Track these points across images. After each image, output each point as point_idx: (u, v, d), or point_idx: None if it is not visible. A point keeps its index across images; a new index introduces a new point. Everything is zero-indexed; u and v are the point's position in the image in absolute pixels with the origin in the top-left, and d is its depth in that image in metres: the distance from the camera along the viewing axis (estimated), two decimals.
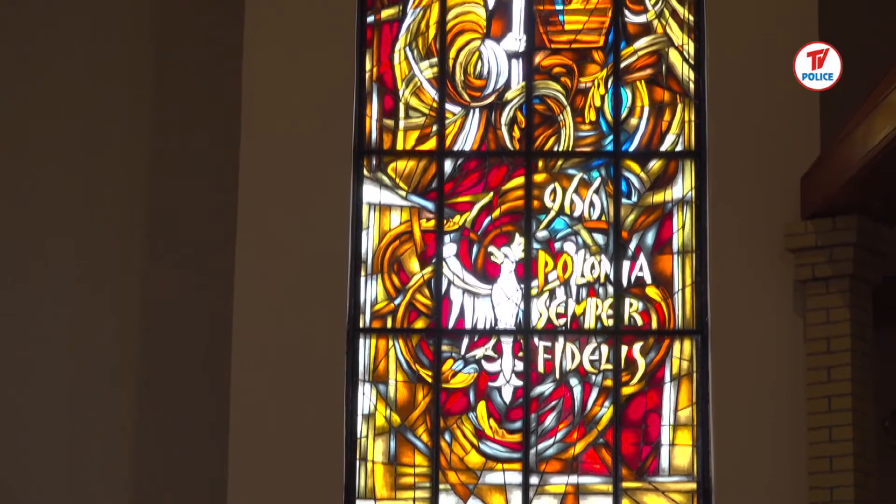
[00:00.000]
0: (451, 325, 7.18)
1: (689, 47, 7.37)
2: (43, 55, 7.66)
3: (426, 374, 7.13)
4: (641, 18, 7.41)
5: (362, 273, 7.20)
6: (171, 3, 7.73)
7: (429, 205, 7.30)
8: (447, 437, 7.08)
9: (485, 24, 7.43)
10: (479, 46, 7.42)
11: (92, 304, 7.47)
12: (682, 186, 7.27)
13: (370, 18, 7.37)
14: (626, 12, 7.40)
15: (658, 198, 7.27)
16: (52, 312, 7.49)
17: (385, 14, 7.40)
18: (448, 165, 7.32)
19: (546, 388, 7.12)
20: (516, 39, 7.41)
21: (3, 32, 7.69)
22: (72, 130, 7.62)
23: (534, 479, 7.01)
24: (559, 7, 7.43)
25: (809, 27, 7.15)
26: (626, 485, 7.01)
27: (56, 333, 7.47)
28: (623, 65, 7.35)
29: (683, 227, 7.21)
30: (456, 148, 7.34)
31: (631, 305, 7.16)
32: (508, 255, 7.25)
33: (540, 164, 7.31)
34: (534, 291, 7.18)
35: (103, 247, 7.53)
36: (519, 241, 7.24)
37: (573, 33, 7.43)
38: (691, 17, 7.37)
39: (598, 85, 7.35)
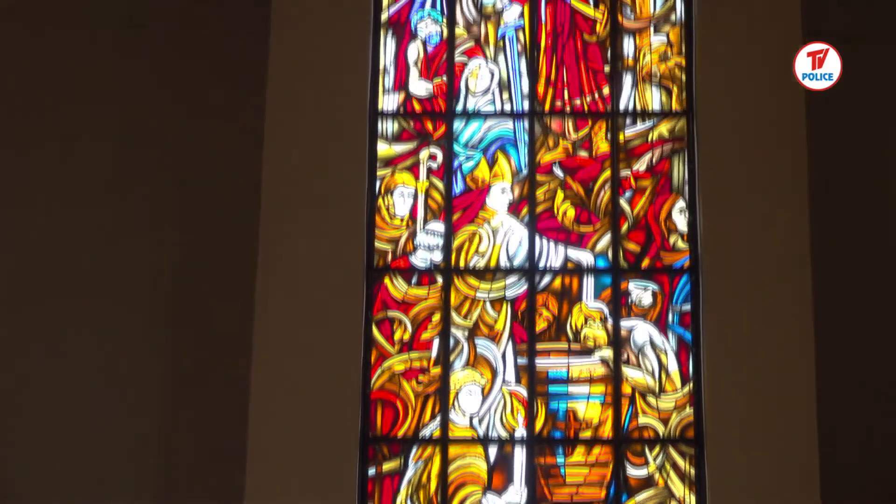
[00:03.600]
0: None
1: (691, 500, 7.87)
2: None
3: None
4: (643, 472, 7.94)
5: None
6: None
7: None
8: None
9: (486, 477, 7.97)
10: (480, 499, 7.94)
11: None
12: None
13: (371, 471, 7.93)
14: (628, 465, 7.95)
15: None
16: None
17: (386, 467, 7.96)
18: None
19: None
20: (517, 492, 7.93)
21: None
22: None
23: None
24: (560, 460, 7.99)
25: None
26: None
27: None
28: None
29: None
30: None
31: None
32: None
33: None
34: None
35: None
36: None
37: (574, 486, 7.95)
38: (692, 471, 7.90)
39: None
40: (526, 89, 8.29)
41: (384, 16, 8.34)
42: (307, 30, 8.12)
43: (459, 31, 8.36)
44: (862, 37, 8.25)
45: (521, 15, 8.37)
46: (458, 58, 8.35)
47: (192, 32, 8.47)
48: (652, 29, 8.33)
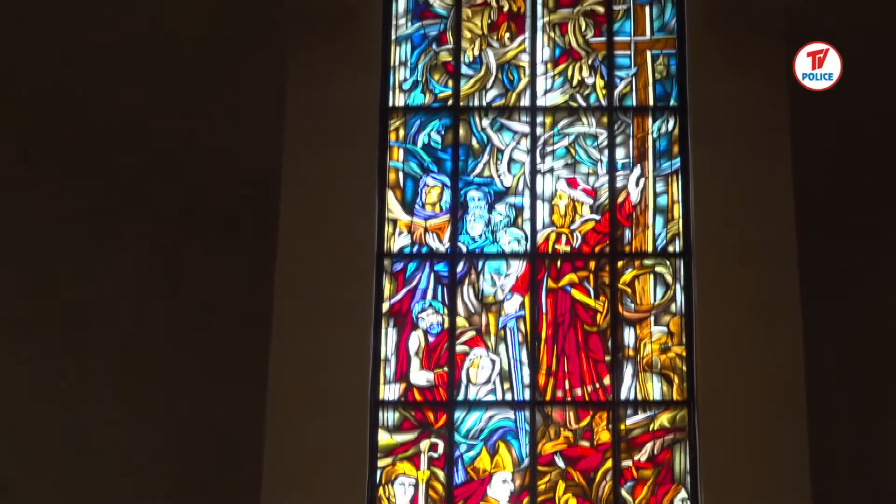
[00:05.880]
0: None
1: None
2: None
3: None
4: None
5: None
6: None
7: None
8: None
9: None
10: None
11: None
12: None
13: None
14: None
15: None
16: None
17: None
18: None
19: None
20: None
21: None
22: None
23: None
24: None
25: None
26: None
27: None
28: None
29: None
30: None
31: None
32: None
33: None
34: None
35: None
36: None
37: None
38: None
39: None
40: (527, 379, 8.55)
41: (385, 306, 8.65)
42: (308, 321, 8.41)
43: (460, 321, 8.65)
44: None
45: (522, 305, 8.67)
46: (460, 348, 8.62)
47: (198, 317, 8.84)
48: (652, 319, 8.62)
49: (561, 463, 8.45)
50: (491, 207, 8.82)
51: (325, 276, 8.47)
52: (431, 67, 9.01)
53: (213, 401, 8.83)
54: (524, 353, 8.59)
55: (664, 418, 8.47)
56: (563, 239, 8.77)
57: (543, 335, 8.61)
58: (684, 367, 8.53)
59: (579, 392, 8.52)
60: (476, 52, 9.01)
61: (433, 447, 8.47)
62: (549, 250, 8.76)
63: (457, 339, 8.62)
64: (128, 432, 8.89)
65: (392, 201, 8.82)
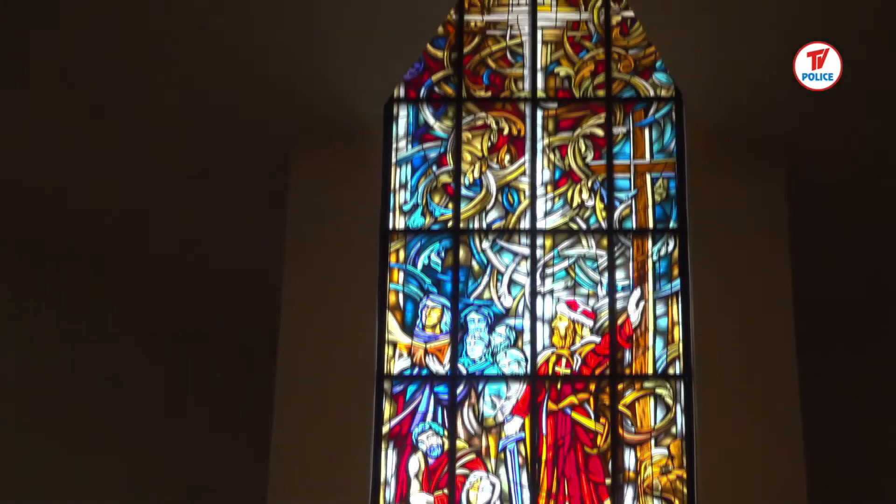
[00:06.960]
0: None
1: None
2: None
3: None
4: None
5: None
6: None
7: None
8: None
9: None
10: None
11: None
12: None
13: None
14: None
15: None
16: None
17: None
18: None
19: None
20: None
21: None
22: None
23: None
24: None
25: None
26: None
27: None
28: None
29: None
30: None
31: None
32: None
33: None
34: None
35: None
36: None
37: None
38: None
39: None
40: (527, 502, 8.55)
41: (385, 428, 8.68)
42: (308, 443, 8.44)
43: (461, 443, 8.68)
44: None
45: (522, 427, 8.70)
46: (460, 470, 8.63)
47: (197, 441, 8.88)
48: (653, 442, 8.65)
49: None
50: (491, 329, 8.89)
51: (324, 398, 8.51)
52: (432, 189, 9.13)
53: None
54: (524, 475, 8.60)
55: None
56: (564, 361, 8.83)
57: (544, 457, 8.63)
58: (685, 490, 8.54)
59: None
60: (476, 175, 9.14)
61: None
62: (550, 372, 8.81)
63: (457, 462, 8.64)
64: None
65: (392, 323, 8.88)
